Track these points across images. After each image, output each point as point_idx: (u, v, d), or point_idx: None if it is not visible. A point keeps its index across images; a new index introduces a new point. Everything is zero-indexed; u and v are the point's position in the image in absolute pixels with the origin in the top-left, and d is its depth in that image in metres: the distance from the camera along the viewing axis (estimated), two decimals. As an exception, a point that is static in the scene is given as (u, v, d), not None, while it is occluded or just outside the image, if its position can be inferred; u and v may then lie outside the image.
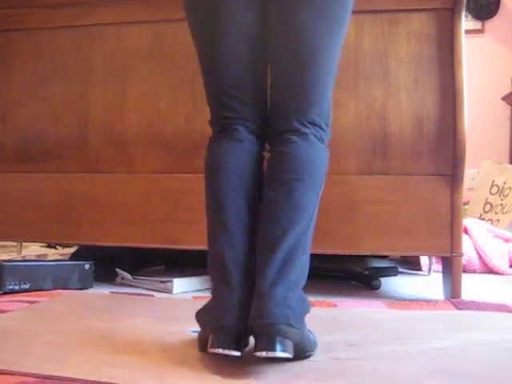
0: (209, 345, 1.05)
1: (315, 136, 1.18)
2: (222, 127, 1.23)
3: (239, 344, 1.06)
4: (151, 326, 1.37)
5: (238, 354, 1.05)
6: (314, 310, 1.62)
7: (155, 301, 1.74)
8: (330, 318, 1.52)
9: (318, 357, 1.14)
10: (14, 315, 1.47)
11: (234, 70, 1.19)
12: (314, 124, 1.18)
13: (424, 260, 2.48)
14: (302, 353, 1.11)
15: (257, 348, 1.03)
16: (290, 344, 1.03)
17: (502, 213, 3.10)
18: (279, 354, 1.01)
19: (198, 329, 1.18)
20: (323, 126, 1.20)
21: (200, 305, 1.18)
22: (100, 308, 1.59)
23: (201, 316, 1.17)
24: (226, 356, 1.05)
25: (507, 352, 1.17)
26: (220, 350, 1.04)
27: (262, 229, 1.15)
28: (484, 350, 1.19)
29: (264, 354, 1.01)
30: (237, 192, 1.17)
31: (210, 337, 1.06)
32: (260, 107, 1.23)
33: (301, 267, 1.13)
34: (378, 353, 1.17)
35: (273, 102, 1.22)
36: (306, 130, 1.17)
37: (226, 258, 1.13)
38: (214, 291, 1.14)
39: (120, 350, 1.16)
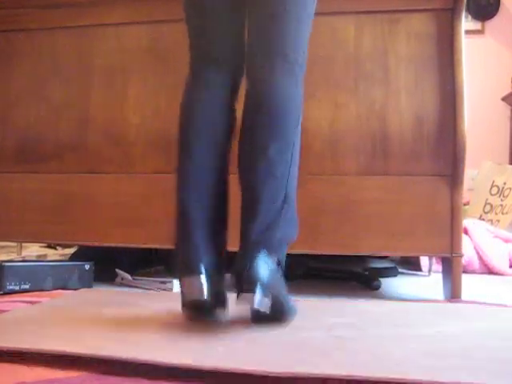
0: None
1: (290, 74, 1.28)
2: (197, 72, 1.36)
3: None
4: (160, 314, 1.42)
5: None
6: (317, 302, 1.67)
7: (164, 295, 1.81)
8: (333, 306, 1.58)
9: (319, 334, 1.19)
10: (28, 309, 1.51)
11: (216, 25, 1.34)
12: (288, 60, 1.28)
13: (424, 260, 2.48)
14: (279, 312, 1.20)
15: (238, 297, 1.17)
16: (266, 298, 1.14)
17: (502, 213, 3.10)
18: (257, 298, 1.13)
19: None
20: (299, 59, 1.30)
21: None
22: (114, 300, 1.63)
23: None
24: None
25: (503, 340, 1.18)
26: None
27: (241, 179, 1.28)
28: (480, 337, 1.21)
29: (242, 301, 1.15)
30: (205, 146, 1.30)
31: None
32: (236, 58, 1.36)
33: (284, 225, 1.24)
34: (375, 334, 1.20)
35: (248, 46, 1.33)
36: (279, 70, 1.27)
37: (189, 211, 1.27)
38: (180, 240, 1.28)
39: (129, 330, 1.23)
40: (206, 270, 1.21)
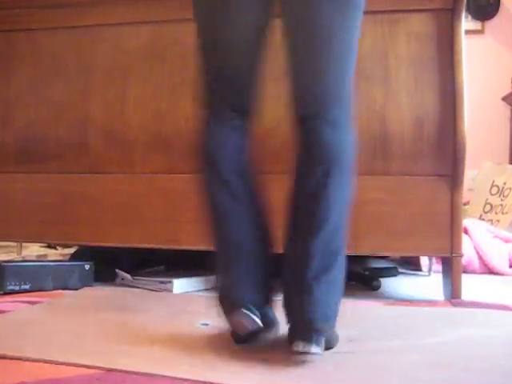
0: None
1: (337, 122, 1.18)
2: (214, 113, 1.28)
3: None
4: (163, 319, 1.41)
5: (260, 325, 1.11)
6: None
7: (168, 296, 1.80)
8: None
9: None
10: (34, 309, 1.52)
11: (235, 56, 1.22)
12: (334, 117, 1.18)
13: (424, 260, 2.48)
14: (327, 345, 1.14)
15: (293, 343, 1.08)
16: (322, 340, 1.09)
17: (502, 213, 3.10)
18: (314, 349, 1.06)
19: (207, 321, 1.27)
20: (345, 118, 1.20)
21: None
22: (116, 303, 1.63)
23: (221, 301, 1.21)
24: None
25: (504, 347, 1.18)
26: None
27: (296, 221, 1.20)
28: (481, 345, 1.20)
29: (300, 348, 1.07)
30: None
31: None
32: (250, 93, 1.26)
33: (339, 265, 1.25)
34: (375, 347, 1.19)
35: (293, 87, 1.21)
36: (329, 117, 1.17)
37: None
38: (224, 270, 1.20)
39: (131, 340, 1.21)
40: (251, 306, 1.12)
